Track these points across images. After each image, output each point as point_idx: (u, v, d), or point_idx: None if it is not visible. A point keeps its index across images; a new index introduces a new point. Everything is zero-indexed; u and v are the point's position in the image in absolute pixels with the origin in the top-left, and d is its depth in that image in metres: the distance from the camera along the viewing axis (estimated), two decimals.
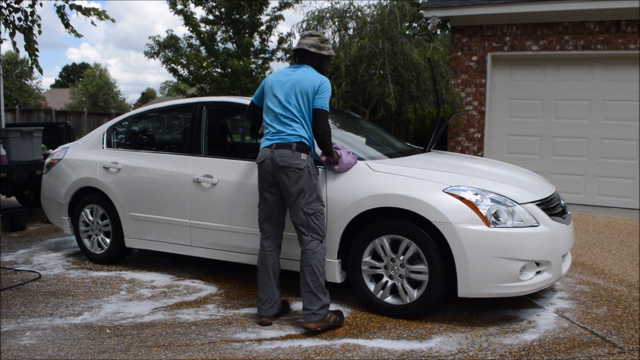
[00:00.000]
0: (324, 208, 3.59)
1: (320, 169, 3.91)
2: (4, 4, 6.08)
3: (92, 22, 6.36)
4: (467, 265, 3.40)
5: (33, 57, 6.32)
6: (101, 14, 6.31)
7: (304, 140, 3.49)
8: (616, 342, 3.33)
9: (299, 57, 3.67)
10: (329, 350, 3.21)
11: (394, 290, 3.70)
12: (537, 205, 3.65)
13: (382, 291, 3.72)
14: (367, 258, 3.74)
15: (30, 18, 6.22)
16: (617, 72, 7.87)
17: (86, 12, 6.26)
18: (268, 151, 3.49)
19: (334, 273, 3.86)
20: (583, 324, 3.63)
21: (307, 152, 3.50)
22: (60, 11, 6.36)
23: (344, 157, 3.75)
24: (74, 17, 7.06)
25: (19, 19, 6.20)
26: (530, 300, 4.05)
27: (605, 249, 5.66)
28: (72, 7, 6.29)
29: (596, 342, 3.33)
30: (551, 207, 3.81)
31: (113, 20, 6.43)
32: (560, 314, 3.80)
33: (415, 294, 3.60)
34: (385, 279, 3.71)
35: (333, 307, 3.93)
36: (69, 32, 6.49)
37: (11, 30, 6.20)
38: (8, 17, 6.15)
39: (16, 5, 6.16)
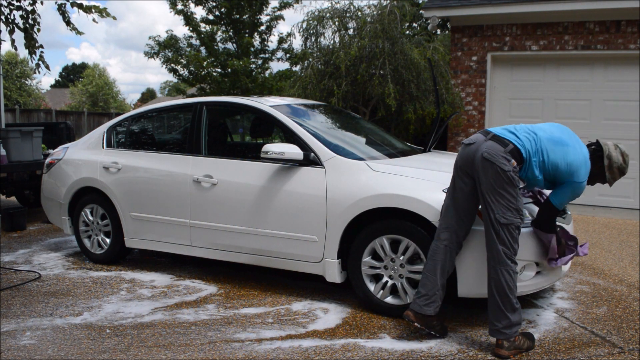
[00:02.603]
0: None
1: (319, 169, 3.91)
2: (5, 2, 6.09)
3: (94, 20, 6.37)
4: (467, 265, 3.40)
5: (34, 55, 6.32)
6: (102, 12, 6.32)
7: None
8: (616, 342, 3.33)
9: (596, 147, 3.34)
10: (329, 350, 3.21)
11: (394, 290, 3.70)
12: (537, 205, 3.65)
13: (382, 291, 3.72)
14: (367, 258, 3.74)
15: (31, 16, 6.22)
16: (617, 72, 7.88)
17: (87, 9, 6.26)
18: (481, 138, 3.23)
19: (334, 273, 3.86)
20: (583, 324, 3.63)
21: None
22: (61, 9, 6.36)
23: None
24: (75, 16, 7.06)
25: (21, 17, 6.20)
26: (530, 300, 4.05)
27: (605, 249, 5.66)
28: (73, 4, 6.29)
29: (596, 342, 3.33)
30: None
31: (114, 18, 6.44)
32: (560, 314, 3.80)
33: (415, 294, 3.60)
34: (385, 279, 3.71)
35: (332, 307, 3.93)
36: (70, 29, 6.50)
37: (10, 28, 6.21)
38: (9, 16, 6.16)
39: (17, 3, 6.17)
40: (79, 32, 6.53)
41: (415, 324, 3.28)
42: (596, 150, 3.28)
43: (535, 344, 3.27)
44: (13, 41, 6.35)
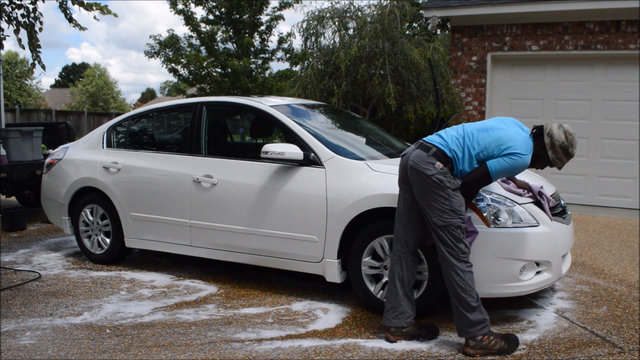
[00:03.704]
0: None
1: (319, 169, 3.91)
2: (6, 1, 6.10)
3: (95, 17, 6.39)
4: None
5: (35, 54, 6.33)
6: (103, 9, 6.33)
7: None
8: (616, 342, 3.33)
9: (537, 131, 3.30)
10: (329, 350, 3.21)
11: None
12: (537, 205, 3.65)
13: (382, 291, 3.71)
14: (367, 258, 3.74)
15: (32, 15, 6.24)
16: (617, 72, 7.87)
17: (88, 7, 6.27)
18: (411, 148, 3.36)
19: (334, 273, 3.86)
20: (583, 324, 3.63)
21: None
22: (62, 6, 6.38)
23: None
24: (75, 15, 7.09)
25: (22, 15, 6.22)
26: (530, 300, 4.05)
27: (605, 249, 5.66)
28: (74, 2, 6.30)
29: (596, 342, 3.33)
30: (551, 207, 3.80)
31: (115, 15, 6.44)
32: (560, 314, 3.80)
33: (415, 294, 3.60)
34: (385, 279, 3.71)
35: (332, 307, 3.93)
36: (72, 25, 6.51)
37: (15, 27, 6.22)
38: (11, 14, 6.17)
39: (18, 2, 6.18)
40: (82, 28, 6.54)
41: (397, 341, 3.30)
42: (537, 129, 3.29)
43: (535, 343, 3.27)
44: (20, 40, 6.36)
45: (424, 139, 3.36)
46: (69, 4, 6.35)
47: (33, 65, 6.48)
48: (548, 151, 3.20)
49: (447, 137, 3.28)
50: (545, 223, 3.56)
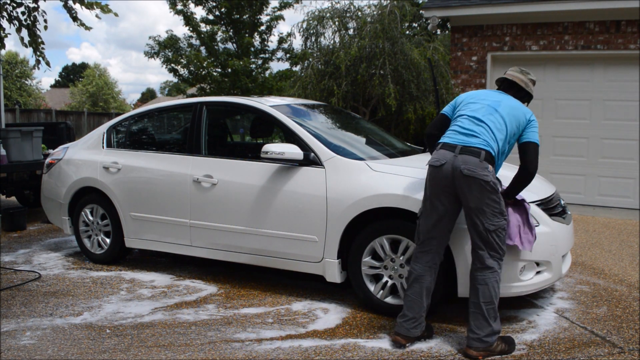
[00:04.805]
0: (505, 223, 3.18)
1: (319, 169, 3.91)
2: (8, 0, 6.12)
3: (97, 16, 6.44)
4: (467, 265, 3.40)
5: (38, 52, 6.35)
6: (104, 8, 6.36)
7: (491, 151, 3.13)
8: (616, 342, 3.33)
9: (505, 86, 3.45)
10: (329, 350, 3.21)
11: (394, 290, 3.70)
12: (537, 205, 3.65)
13: (382, 291, 3.72)
14: (367, 258, 3.74)
15: (33, 13, 6.26)
16: (617, 72, 7.87)
17: (89, 6, 6.30)
18: (450, 155, 3.11)
19: (334, 273, 3.86)
20: (583, 324, 3.63)
21: (492, 165, 3.13)
22: (66, 5, 6.41)
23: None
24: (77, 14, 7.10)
25: (22, 13, 6.24)
26: (530, 300, 4.05)
27: (605, 249, 5.66)
28: (75, 0, 6.32)
29: (596, 342, 3.33)
30: (551, 207, 3.80)
31: (116, 14, 6.47)
32: (560, 314, 3.80)
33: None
34: (385, 279, 3.71)
35: (332, 307, 3.93)
36: (77, 25, 6.55)
37: (17, 26, 6.24)
38: (12, 13, 6.19)
39: (19, 1, 6.20)
40: (87, 27, 6.58)
41: (407, 345, 3.26)
42: (515, 90, 3.39)
43: (535, 343, 3.27)
44: (22, 39, 6.38)
45: (454, 142, 3.14)
46: (70, 2, 6.38)
47: (37, 62, 6.49)
48: (527, 89, 3.40)
49: (481, 135, 3.11)
50: (545, 223, 3.56)
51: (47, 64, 6.56)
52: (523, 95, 3.42)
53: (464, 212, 3.16)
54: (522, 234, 3.31)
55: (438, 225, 3.18)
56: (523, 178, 3.22)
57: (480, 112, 3.22)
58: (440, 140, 3.26)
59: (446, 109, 3.46)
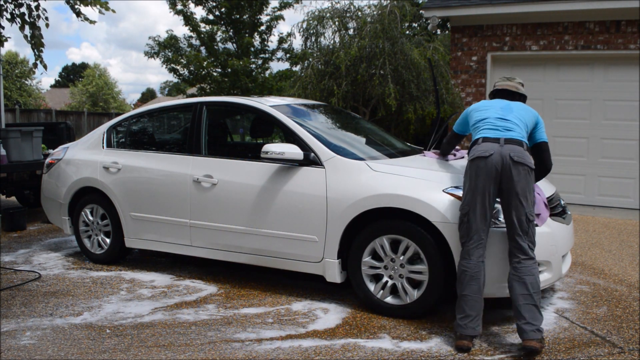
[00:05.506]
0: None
1: (319, 169, 3.91)
2: None
3: (100, 11, 6.46)
4: None
5: (37, 54, 6.36)
6: (103, 5, 6.38)
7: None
8: (616, 342, 3.33)
9: (500, 96, 3.69)
10: (329, 350, 3.21)
11: (394, 290, 3.70)
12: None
13: (382, 291, 3.72)
14: (367, 258, 3.74)
15: (35, 12, 6.28)
16: (617, 72, 7.87)
17: (93, 2, 6.33)
18: (496, 146, 3.23)
19: (334, 273, 3.86)
20: (583, 324, 3.63)
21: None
22: (69, 2, 6.43)
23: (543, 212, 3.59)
24: (74, 15, 7.14)
25: (23, 14, 6.25)
26: None
27: (605, 249, 5.66)
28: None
29: (596, 342, 3.33)
30: (551, 207, 3.81)
31: (113, 11, 6.50)
32: (560, 314, 3.80)
33: (415, 294, 3.60)
34: (385, 279, 3.71)
35: (332, 307, 3.93)
36: (81, 19, 6.60)
37: (20, 24, 6.26)
38: (14, 11, 6.21)
39: (20, 1, 6.22)
40: (91, 22, 6.61)
41: (471, 347, 3.18)
42: (497, 92, 3.71)
43: None
44: (26, 37, 6.40)
45: (497, 135, 3.29)
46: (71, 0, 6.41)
47: (35, 65, 6.51)
48: (525, 94, 3.73)
49: (515, 129, 3.34)
50: (545, 223, 3.56)
51: (44, 66, 6.58)
52: (517, 98, 3.69)
53: (505, 205, 3.24)
54: (542, 211, 3.57)
55: (485, 218, 3.22)
56: (541, 174, 3.57)
57: (502, 112, 3.45)
58: (478, 136, 3.39)
59: (457, 128, 3.85)
